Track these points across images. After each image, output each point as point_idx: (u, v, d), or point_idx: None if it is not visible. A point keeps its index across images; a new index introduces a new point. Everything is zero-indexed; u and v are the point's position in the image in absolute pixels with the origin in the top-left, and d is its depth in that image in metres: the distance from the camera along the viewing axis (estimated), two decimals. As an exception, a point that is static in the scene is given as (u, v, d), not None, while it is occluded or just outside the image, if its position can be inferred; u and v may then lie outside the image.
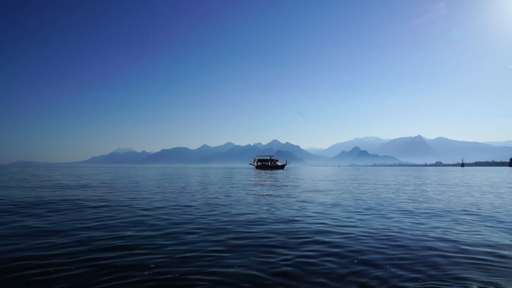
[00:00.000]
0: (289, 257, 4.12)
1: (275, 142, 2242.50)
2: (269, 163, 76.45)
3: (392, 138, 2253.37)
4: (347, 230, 5.78)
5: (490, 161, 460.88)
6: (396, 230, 5.84)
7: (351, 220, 6.81)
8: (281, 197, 11.66)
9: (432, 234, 5.51)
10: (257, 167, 77.01)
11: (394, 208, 8.71)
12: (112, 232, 5.45)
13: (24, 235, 5.26)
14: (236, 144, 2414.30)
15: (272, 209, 8.48)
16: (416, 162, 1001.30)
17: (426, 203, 10.03)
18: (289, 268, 3.75)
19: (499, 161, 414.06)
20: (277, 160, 77.13)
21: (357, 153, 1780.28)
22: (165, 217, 7.06)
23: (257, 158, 79.60)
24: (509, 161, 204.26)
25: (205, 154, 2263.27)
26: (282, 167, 76.88)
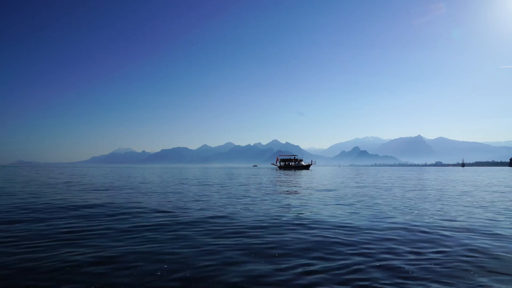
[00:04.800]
0: None
1: (275, 142, 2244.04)
2: (293, 163, 72.31)
3: (392, 138, 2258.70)
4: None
5: (490, 161, 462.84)
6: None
7: None
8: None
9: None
10: (280, 167, 73.14)
11: None
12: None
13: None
14: (236, 144, 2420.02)
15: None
16: (416, 162, 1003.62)
17: None
18: None
19: (499, 161, 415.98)
20: (301, 160, 72.59)
21: (357, 153, 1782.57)
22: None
23: (280, 158, 75.61)
24: (509, 161, 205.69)
25: (205, 154, 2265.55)
26: (307, 167, 72.16)
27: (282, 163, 74.29)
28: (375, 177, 31.15)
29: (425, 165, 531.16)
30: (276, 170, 62.09)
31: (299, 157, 73.30)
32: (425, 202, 10.09)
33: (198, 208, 8.39)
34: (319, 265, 3.81)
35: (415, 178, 29.69)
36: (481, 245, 4.69)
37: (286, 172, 46.54)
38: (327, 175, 35.51)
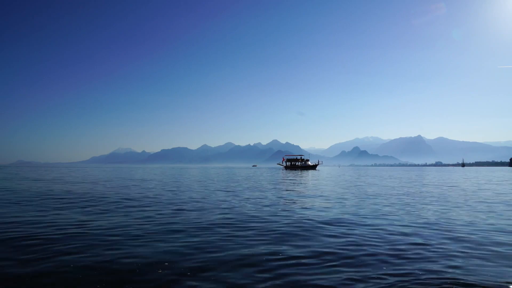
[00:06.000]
0: None
1: (275, 142, 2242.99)
2: (299, 163, 71.66)
3: (392, 138, 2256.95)
4: None
5: (490, 161, 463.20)
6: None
7: None
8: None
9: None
10: (286, 167, 72.67)
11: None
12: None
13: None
14: (236, 144, 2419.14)
15: None
16: (416, 162, 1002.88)
17: None
18: None
19: (499, 161, 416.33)
20: (307, 160, 71.87)
21: (357, 153, 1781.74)
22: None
23: (286, 158, 75.01)
24: (509, 161, 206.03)
25: (205, 154, 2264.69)
26: (314, 167, 71.28)
27: (288, 163, 73.66)
28: (412, 180, 27.54)
29: (425, 165, 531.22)
30: (282, 170, 61.53)
31: (305, 157, 72.36)
32: None
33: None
34: None
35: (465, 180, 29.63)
36: None
37: (294, 173, 44.99)
38: (345, 177, 32.21)
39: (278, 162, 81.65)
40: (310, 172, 49.42)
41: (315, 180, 24.79)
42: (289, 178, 27.84)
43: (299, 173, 44.09)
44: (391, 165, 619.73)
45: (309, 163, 71.64)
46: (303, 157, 72.41)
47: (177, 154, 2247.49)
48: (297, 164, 72.01)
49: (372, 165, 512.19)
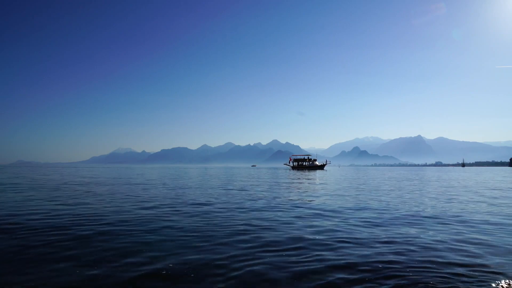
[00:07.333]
0: None
1: (275, 142, 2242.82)
2: (306, 163, 70.82)
3: (392, 138, 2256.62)
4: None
5: (490, 161, 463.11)
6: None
7: None
8: None
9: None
10: (293, 168, 71.93)
11: None
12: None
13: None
14: (236, 144, 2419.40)
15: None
16: (416, 162, 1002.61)
17: None
18: None
19: (499, 161, 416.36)
20: (315, 160, 71.10)
21: (357, 153, 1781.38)
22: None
23: (293, 158, 74.41)
24: (509, 161, 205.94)
25: (205, 154, 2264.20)
26: (321, 167, 70.20)
27: (295, 163, 73.01)
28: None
29: (425, 165, 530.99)
30: (289, 170, 61.26)
31: (312, 157, 71.70)
32: None
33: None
34: None
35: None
36: None
37: (301, 173, 43.23)
38: (358, 178, 28.12)
39: (284, 163, 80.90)
40: (319, 172, 48.11)
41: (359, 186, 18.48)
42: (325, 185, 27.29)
43: (310, 173, 42.31)
44: (391, 165, 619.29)
45: (317, 163, 70.78)
46: (310, 157, 71.60)
47: (177, 154, 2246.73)
48: (304, 164, 71.18)
49: (372, 165, 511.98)
